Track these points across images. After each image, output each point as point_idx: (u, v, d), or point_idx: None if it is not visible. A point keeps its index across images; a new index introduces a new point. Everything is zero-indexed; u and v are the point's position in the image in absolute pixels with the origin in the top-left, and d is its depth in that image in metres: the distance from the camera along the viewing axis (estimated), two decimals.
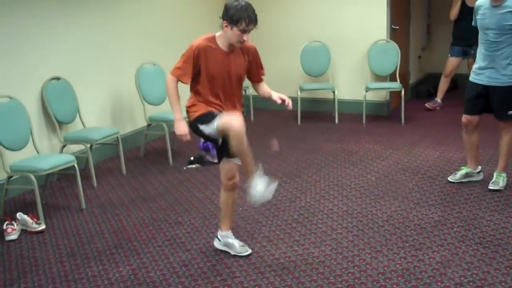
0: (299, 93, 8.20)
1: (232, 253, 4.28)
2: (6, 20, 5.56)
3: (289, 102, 4.14)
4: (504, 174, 5.45)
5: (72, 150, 6.10)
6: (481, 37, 5.19)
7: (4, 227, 4.78)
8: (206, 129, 3.98)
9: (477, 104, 5.34)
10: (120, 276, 4.09)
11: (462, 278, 3.87)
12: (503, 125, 5.32)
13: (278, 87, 8.84)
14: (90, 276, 4.12)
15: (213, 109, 4.02)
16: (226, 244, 4.33)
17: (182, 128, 4.08)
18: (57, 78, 6.08)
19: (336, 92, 8.23)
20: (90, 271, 4.19)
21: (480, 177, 5.63)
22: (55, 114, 5.99)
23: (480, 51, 5.23)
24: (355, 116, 8.28)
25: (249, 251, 4.29)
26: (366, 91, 8.02)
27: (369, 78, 8.37)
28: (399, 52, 8.22)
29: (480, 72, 5.23)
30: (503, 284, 3.78)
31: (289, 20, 8.86)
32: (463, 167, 5.64)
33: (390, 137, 7.39)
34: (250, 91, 8.28)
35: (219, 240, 4.35)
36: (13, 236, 4.75)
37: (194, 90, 4.10)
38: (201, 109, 4.03)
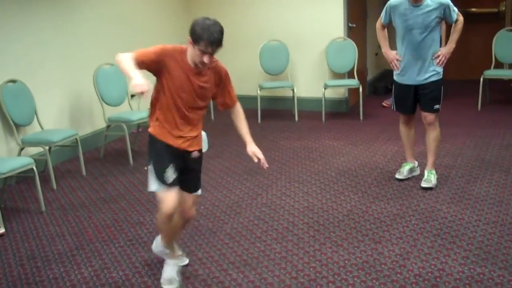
0: (258, 91, 8.24)
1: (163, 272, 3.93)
2: None
3: (264, 162, 3.84)
4: (434, 171, 5.50)
5: (30, 153, 6.03)
6: (403, 37, 5.22)
7: None
8: (151, 175, 3.67)
9: (411, 103, 5.42)
10: (82, 278, 4.07)
11: (421, 269, 3.95)
12: (429, 119, 5.35)
13: (238, 86, 8.93)
14: (51, 278, 4.09)
15: (168, 154, 3.64)
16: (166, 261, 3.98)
17: (138, 80, 3.26)
18: (13, 81, 6.00)
19: (295, 89, 8.30)
20: (51, 273, 4.15)
21: (418, 171, 5.75)
22: (12, 116, 5.91)
23: (403, 51, 5.26)
24: (314, 114, 8.36)
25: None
26: (325, 89, 8.10)
27: (327, 76, 8.46)
28: (357, 49, 8.32)
29: (406, 72, 5.30)
30: (460, 273, 3.87)
31: (247, 19, 8.91)
32: (406, 163, 5.73)
33: (349, 133, 7.49)
34: None
35: (157, 246, 4.07)
36: None
37: (155, 104, 3.68)
38: (160, 134, 3.65)
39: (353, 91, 8.63)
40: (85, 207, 5.37)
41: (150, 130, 3.69)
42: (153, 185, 3.66)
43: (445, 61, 5.23)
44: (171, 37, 8.82)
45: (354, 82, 8.16)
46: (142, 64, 3.45)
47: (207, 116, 8.59)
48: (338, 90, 8.58)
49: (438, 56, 5.20)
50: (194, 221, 3.78)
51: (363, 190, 5.46)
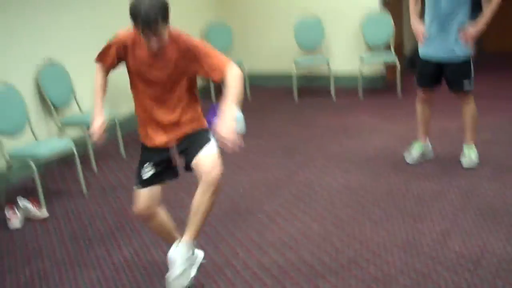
0: (294, 68, 8.19)
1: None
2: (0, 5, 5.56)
3: (231, 143, 2.95)
4: (473, 147, 5.34)
5: (70, 135, 6.11)
6: (431, 8, 5.03)
7: (7, 214, 4.82)
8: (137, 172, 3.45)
9: (434, 76, 5.25)
10: (123, 257, 4.14)
11: (462, 248, 3.91)
12: (462, 98, 5.21)
13: (273, 63, 8.92)
14: (94, 259, 4.17)
15: (147, 148, 3.44)
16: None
17: (94, 123, 3.30)
18: (52, 62, 6.07)
19: (330, 64, 8.22)
20: (93, 254, 4.23)
21: (431, 154, 5.58)
22: (51, 98, 5.99)
23: (429, 23, 5.08)
24: (351, 91, 8.28)
25: None
26: (361, 62, 8.00)
27: (363, 50, 8.35)
28: (393, 22, 8.19)
29: (431, 45, 5.12)
30: (503, 252, 3.82)
31: None
32: (417, 143, 5.55)
33: (387, 110, 7.41)
34: (245, 68, 8.27)
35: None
36: (16, 223, 4.79)
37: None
38: (142, 137, 3.46)
39: (390, 67, 8.51)
40: (125, 188, 5.43)
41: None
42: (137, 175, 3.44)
43: (470, 41, 4.99)
44: (208, 12, 8.82)
45: (391, 56, 8.04)
46: (110, 66, 3.43)
47: (244, 96, 8.58)
48: (375, 66, 8.47)
49: (465, 33, 4.95)
50: (214, 182, 3.12)
51: (403, 168, 5.41)
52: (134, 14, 2.96)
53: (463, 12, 4.94)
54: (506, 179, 4.96)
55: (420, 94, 5.44)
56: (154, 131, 3.35)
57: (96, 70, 3.45)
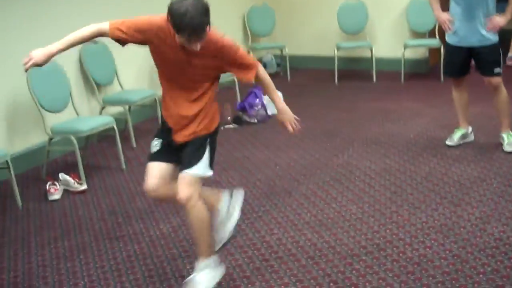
0: (336, 51, 8.13)
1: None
2: None
3: (292, 126, 3.38)
4: (510, 132, 5.31)
5: (111, 112, 6.18)
6: None
7: (47, 187, 4.91)
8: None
9: (462, 66, 5.25)
10: (161, 234, 4.18)
11: (501, 233, 3.85)
12: (493, 83, 5.16)
13: (315, 46, 8.87)
14: (131, 233, 4.22)
15: (163, 125, 3.46)
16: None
17: (37, 52, 3.29)
18: (95, 42, 6.13)
19: (373, 49, 8.14)
20: (131, 229, 4.29)
21: (472, 137, 5.55)
22: (94, 76, 6.07)
23: (456, 11, 5.07)
24: (393, 74, 8.19)
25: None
26: (405, 48, 7.91)
27: (407, 35, 8.24)
28: None
29: (459, 33, 5.10)
30: None
31: None
32: (457, 129, 5.53)
33: (429, 94, 7.31)
34: (287, 51, 8.25)
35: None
36: (56, 196, 4.87)
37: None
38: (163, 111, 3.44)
39: (433, 51, 8.39)
40: None
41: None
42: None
43: (497, 29, 4.99)
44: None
45: (435, 41, 7.93)
46: (116, 38, 3.34)
47: (283, 77, 8.57)
48: (418, 50, 8.35)
49: (491, 20, 4.96)
50: (185, 206, 3.20)
51: (443, 152, 5.34)
52: (180, 21, 2.85)
53: (489, 0, 4.95)
54: None
55: (452, 82, 5.46)
56: (171, 117, 3.34)
57: (94, 25, 3.49)
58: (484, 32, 5.01)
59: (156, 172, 3.31)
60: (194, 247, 3.61)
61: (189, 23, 2.83)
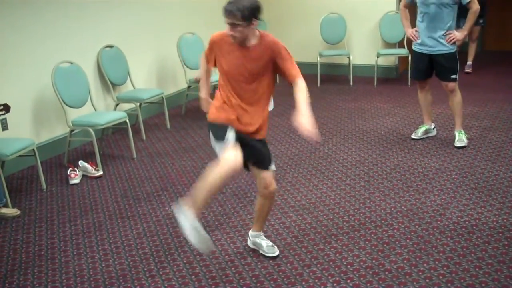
0: (318, 58, 8.10)
1: (261, 252, 3.51)
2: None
3: (312, 136, 3.01)
4: (463, 131, 5.33)
5: (124, 108, 6.14)
6: (422, 11, 5.06)
7: (68, 173, 4.87)
8: (216, 146, 3.20)
9: (425, 71, 5.26)
10: (166, 214, 4.16)
11: (459, 218, 3.86)
12: (449, 87, 5.17)
13: (300, 53, 8.83)
14: (141, 214, 4.19)
15: (226, 119, 3.16)
16: (255, 243, 3.56)
17: (204, 105, 3.50)
18: (111, 46, 6.09)
19: (351, 57, 8.12)
20: (140, 210, 4.26)
21: (434, 132, 5.58)
22: (109, 77, 6.02)
23: (421, 25, 5.12)
24: (367, 79, 8.16)
25: (277, 252, 3.48)
26: (378, 57, 7.89)
27: (380, 45, 8.22)
28: None
29: (422, 42, 5.14)
30: (494, 223, 3.76)
31: None
32: (422, 125, 5.56)
33: (398, 96, 7.30)
34: None
35: (249, 238, 3.59)
36: (76, 181, 4.84)
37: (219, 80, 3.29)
38: (216, 112, 3.22)
39: (402, 59, 8.38)
40: (169, 155, 5.45)
41: (208, 113, 3.32)
42: (217, 147, 3.19)
43: (455, 41, 5.04)
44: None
45: (403, 51, 7.91)
46: (210, 64, 3.31)
47: None
48: (389, 58, 8.33)
49: (450, 34, 5.02)
50: (270, 195, 3.28)
51: (409, 147, 5.33)
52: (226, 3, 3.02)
53: (450, 14, 4.98)
54: (500, 160, 4.87)
55: (417, 84, 5.51)
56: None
57: (202, 57, 3.42)
58: (443, 43, 5.04)
59: (239, 152, 3.08)
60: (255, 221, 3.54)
61: (227, 5, 3.00)
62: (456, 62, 5.15)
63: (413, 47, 5.32)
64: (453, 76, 5.14)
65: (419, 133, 5.52)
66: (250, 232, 3.59)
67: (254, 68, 3.12)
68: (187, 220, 2.99)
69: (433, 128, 5.58)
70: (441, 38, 5.04)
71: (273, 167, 3.30)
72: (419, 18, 5.17)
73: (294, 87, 3.16)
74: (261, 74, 3.14)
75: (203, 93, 3.51)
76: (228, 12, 3.00)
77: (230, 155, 3.04)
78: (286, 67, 3.12)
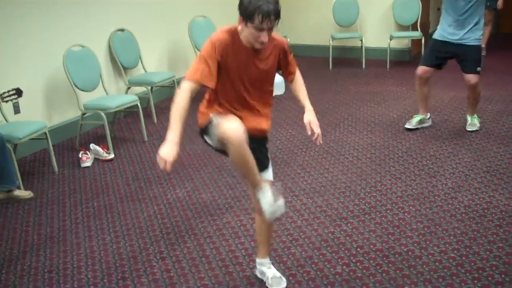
0: (331, 41, 8.04)
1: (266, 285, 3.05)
2: None
3: (318, 138, 2.90)
4: (475, 115, 5.26)
5: (135, 91, 6.14)
6: (449, 4, 4.94)
7: (80, 156, 4.90)
8: (211, 142, 2.88)
9: (438, 59, 5.12)
10: (177, 197, 4.17)
11: (470, 201, 3.83)
12: (473, 81, 5.01)
13: (312, 36, 8.78)
14: (151, 196, 4.21)
15: (218, 113, 2.80)
16: (261, 273, 3.11)
17: (166, 151, 2.60)
18: (122, 30, 6.08)
19: (363, 40, 8.05)
20: (151, 192, 4.28)
21: (429, 122, 5.43)
22: (121, 60, 6.02)
23: (447, 17, 4.99)
24: (380, 62, 8.09)
25: (283, 285, 3.00)
26: (390, 39, 7.82)
27: (393, 28, 8.14)
28: (420, 4, 7.95)
29: (450, 33, 5.00)
30: (506, 206, 3.73)
31: None
32: (416, 115, 5.41)
33: (411, 80, 7.19)
34: (288, 40, 8.15)
35: (256, 267, 3.15)
36: (87, 163, 4.86)
37: (207, 94, 2.94)
38: (206, 115, 2.88)
39: (415, 42, 8.30)
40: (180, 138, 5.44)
41: (199, 124, 2.98)
42: (212, 142, 2.90)
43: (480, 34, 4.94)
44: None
45: (417, 33, 7.82)
46: (211, 82, 2.72)
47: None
48: (402, 40, 8.25)
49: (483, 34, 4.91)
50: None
51: (421, 130, 5.29)
52: (253, 4, 2.48)
53: (478, 11, 4.85)
54: None
55: (419, 72, 5.26)
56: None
57: (182, 88, 2.75)
58: (470, 35, 4.90)
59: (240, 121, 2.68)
60: None
61: (263, 4, 2.46)
62: (480, 54, 5.03)
63: (435, 35, 5.14)
64: (478, 68, 5.00)
65: (413, 122, 5.37)
66: (256, 259, 3.14)
67: (266, 70, 2.77)
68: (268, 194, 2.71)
69: (428, 118, 5.44)
70: (470, 32, 4.90)
71: (269, 175, 2.96)
72: (444, 11, 5.05)
73: (294, 83, 3.00)
74: (273, 75, 2.87)
75: (175, 135, 2.64)
76: (277, 14, 2.52)
77: (230, 125, 2.61)
78: (288, 62, 2.89)
